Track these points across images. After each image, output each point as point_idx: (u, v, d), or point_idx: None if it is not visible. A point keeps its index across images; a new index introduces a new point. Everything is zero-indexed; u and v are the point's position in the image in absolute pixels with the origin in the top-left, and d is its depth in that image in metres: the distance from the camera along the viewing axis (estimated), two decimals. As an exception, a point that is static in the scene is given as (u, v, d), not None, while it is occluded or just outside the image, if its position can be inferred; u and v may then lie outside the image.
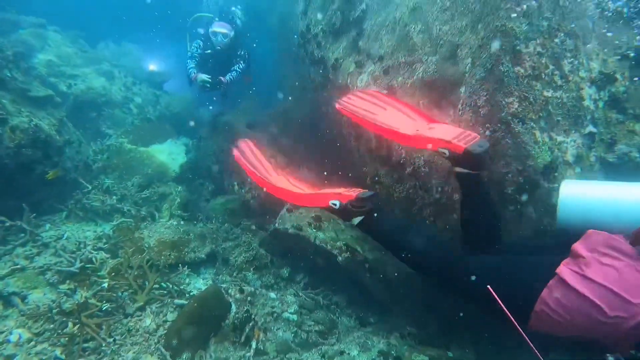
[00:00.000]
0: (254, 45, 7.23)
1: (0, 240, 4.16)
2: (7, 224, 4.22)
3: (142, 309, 3.80)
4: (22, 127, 4.52)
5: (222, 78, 5.96)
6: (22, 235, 4.32)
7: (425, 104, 3.50)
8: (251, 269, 4.86)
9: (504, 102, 2.78)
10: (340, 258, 4.70)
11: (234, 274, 4.75)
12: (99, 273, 3.99)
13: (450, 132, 2.55)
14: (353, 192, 2.60)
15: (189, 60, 6.08)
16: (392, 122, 2.91)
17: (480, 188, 2.56)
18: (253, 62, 6.65)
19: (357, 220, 2.64)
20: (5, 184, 4.45)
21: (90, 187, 5.38)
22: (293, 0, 6.36)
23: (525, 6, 2.75)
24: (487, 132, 2.87)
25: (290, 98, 7.00)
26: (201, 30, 6.72)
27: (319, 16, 5.24)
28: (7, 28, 6.41)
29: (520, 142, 2.78)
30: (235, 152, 3.53)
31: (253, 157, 3.49)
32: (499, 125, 2.82)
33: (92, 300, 3.65)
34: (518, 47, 2.76)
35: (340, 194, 2.63)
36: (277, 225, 5.13)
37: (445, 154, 2.50)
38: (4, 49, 5.42)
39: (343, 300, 5.05)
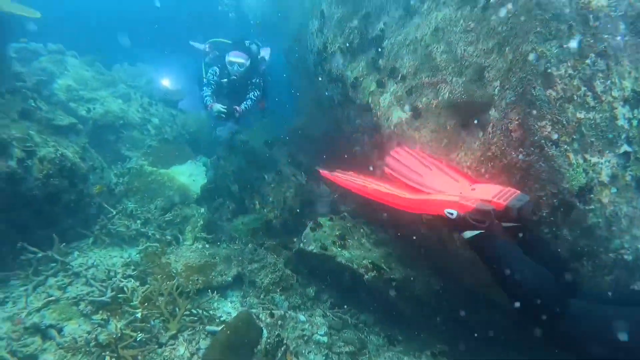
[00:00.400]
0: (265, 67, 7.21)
1: (33, 271, 4.20)
2: (39, 255, 4.26)
3: (174, 337, 3.82)
4: (49, 158, 4.58)
5: (237, 108, 5.96)
6: (53, 265, 4.37)
7: (452, 125, 3.51)
8: (278, 290, 4.86)
9: (536, 126, 2.77)
10: (366, 277, 4.70)
11: (262, 296, 4.76)
12: (130, 303, 4.01)
13: (491, 191, 2.56)
14: (471, 202, 2.46)
15: (205, 88, 6.06)
16: (437, 184, 2.97)
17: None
18: (267, 82, 6.65)
19: (470, 234, 2.49)
20: (34, 215, 4.51)
21: (114, 212, 5.42)
22: (307, 17, 6.40)
23: (554, 29, 2.74)
24: (520, 157, 2.86)
25: (306, 115, 7.03)
26: (214, 52, 6.77)
27: (336, 34, 5.26)
28: (28, 56, 6.52)
29: (554, 165, 2.76)
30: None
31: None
32: (532, 149, 2.80)
33: (127, 331, 3.67)
34: (549, 70, 2.74)
35: (458, 203, 2.50)
36: (301, 245, 5.14)
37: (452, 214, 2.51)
38: (26, 79, 5.51)
39: (370, 318, 5.04)
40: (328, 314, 4.89)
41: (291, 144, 6.68)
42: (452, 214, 2.49)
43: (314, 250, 4.99)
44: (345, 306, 5.03)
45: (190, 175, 6.17)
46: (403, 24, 4.31)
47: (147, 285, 4.31)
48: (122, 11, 10.97)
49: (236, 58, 5.94)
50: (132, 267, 4.59)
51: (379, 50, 4.56)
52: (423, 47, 3.85)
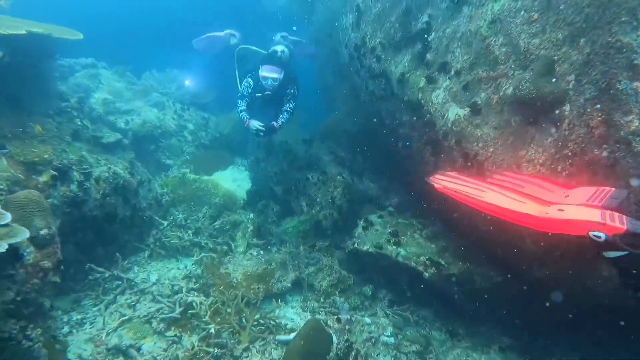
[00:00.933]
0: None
1: (102, 291, 4.29)
2: (107, 275, 4.34)
3: (247, 349, 3.87)
4: (104, 177, 4.64)
5: (274, 123, 5.61)
6: (119, 283, 4.45)
7: (517, 121, 3.41)
8: (337, 292, 4.89)
9: (622, 121, 2.66)
10: (426, 274, 4.67)
11: (322, 300, 4.78)
12: (200, 318, 4.06)
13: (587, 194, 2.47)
14: (620, 223, 2.34)
15: (239, 101, 5.75)
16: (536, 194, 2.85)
17: None
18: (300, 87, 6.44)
19: (614, 254, 2.41)
20: (95, 234, 4.58)
21: (165, 224, 5.49)
22: (337, 11, 6.27)
23: (640, 18, 2.61)
24: (604, 153, 2.76)
25: (340, 110, 6.95)
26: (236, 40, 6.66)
27: (376, 29, 5.15)
28: (65, 73, 6.55)
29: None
30: (436, 186, 3.46)
31: (457, 184, 3.39)
32: (617, 145, 2.71)
33: (202, 346, 3.73)
34: (636, 62, 2.62)
35: (605, 225, 2.36)
36: (355, 245, 5.13)
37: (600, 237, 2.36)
38: (69, 97, 5.55)
39: (430, 313, 5.03)
40: (388, 312, 4.90)
41: (329, 141, 6.62)
42: (599, 236, 2.36)
43: (370, 250, 4.98)
44: (406, 304, 5.04)
45: (234, 180, 6.19)
46: (451, 15, 4.17)
47: (211, 298, 4.36)
48: (140, 13, 10.91)
49: (270, 73, 5.59)
50: (194, 280, 4.64)
51: (426, 44, 4.44)
52: (479, 40, 3.72)
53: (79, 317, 3.98)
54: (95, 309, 4.13)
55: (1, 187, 3.30)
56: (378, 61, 5.16)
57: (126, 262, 4.91)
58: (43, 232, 2.98)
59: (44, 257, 2.99)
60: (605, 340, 4.25)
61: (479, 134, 3.69)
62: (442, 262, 4.77)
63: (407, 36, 4.73)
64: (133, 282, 4.48)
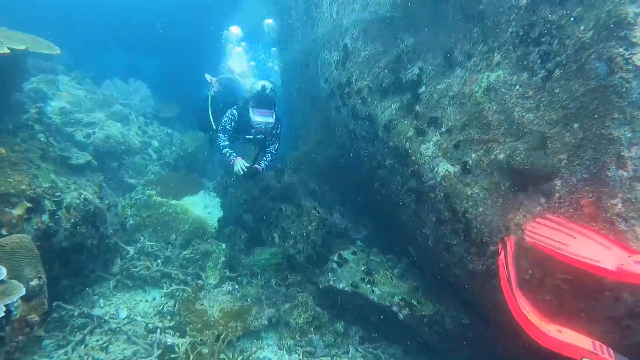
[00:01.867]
0: None
1: (69, 331, 3.97)
2: (76, 313, 4.04)
3: (231, 395, 3.78)
4: (75, 205, 4.33)
5: (257, 167, 5.38)
6: (87, 321, 4.16)
7: (507, 186, 3.67)
8: (312, 329, 4.90)
9: (609, 204, 2.98)
10: (401, 316, 4.85)
11: (297, 337, 4.78)
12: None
13: None
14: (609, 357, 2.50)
15: (220, 135, 5.41)
16: (588, 253, 2.81)
17: None
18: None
19: None
20: (61, 267, 4.25)
21: (131, 252, 5.21)
22: (321, 45, 6.35)
23: (629, 116, 2.94)
24: (591, 229, 3.07)
25: (313, 142, 7.00)
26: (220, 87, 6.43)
27: (363, 72, 5.29)
28: (20, 77, 5.98)
29: (623, 239, 2.99)
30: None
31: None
32: (603, 224, 3.02)
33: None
34: (622, 153, 2.95)
35: (597, 356, 2.51)
36: (331, 282, 5.19)
37: None
38: (28, 107, 5.13)
39: (399, 351, 5.20)
40: (360, 349, 5.00)
41: (302, 172, 6.65)
42: None
43: (346, 289, 5.07)
44: (376, 341, 5.16)
45: (205, 207, 6.00)
46: (443, 72, 4.41)
47: (189, 338, 4.20)
48: (101, 15, 10.24)
49: (265, 118, 5.29)
50: (169, 318, 4.44)
51: (416, 95, 4.64)
52: (473, 103, 3.97)
53: (42, 364, 3.66)
54: (61, 352, 3.82)
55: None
56: (364, 103, 5.30)
57: (90, 294, 4.59)
58: (33, 282, 2.76)
59: (31, 310, 2.76)
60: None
61: (469, 193, 3.91)
62: (415, 303, 4.97)
63: (396, 84, 4.91)
64: (103, 320, 4.20)
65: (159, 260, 5.22)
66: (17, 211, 3.43)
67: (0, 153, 3.92)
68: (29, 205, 3.57)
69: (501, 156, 3.69)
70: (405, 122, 4.72)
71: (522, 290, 3.27)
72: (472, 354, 4.93)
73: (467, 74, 4.14)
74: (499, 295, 3.97)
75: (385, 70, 5.02)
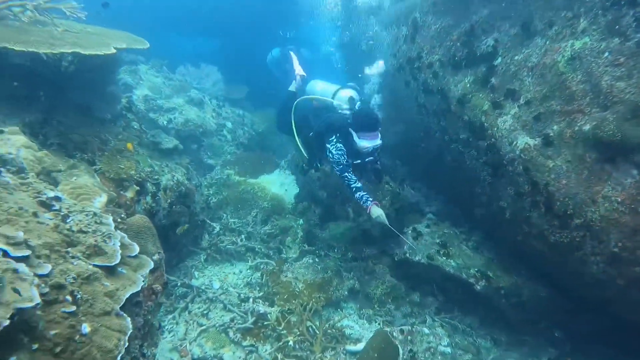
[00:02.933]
0: None
1: (174, 299, 4.45)
2: (179, 283, 4.50)
3: (320, 359, 4.09)
4: (170, 186, 4.75)
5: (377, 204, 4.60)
6: (187, 290, 4.62)
7: (593, 158, 3.60)
8: (389, 300, 5.12)
9: None
10: (477, 287, 4.94)
11: (376, 307, 5.02)
12: (276, 329, 4.27)
13: None
14: None
15: (347, 175, 4.61)
16: None
17: None
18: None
19: None
20: (163, 242, 4.70)
21: (217, 228, 5.63)
22: (388, 20, 6.33)
23: None
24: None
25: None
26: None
27: (434, 46, 5.25)
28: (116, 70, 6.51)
29: None
30: None
31: None
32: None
33: (279, 357, 3.94)
34: None
35: None
36: (407, 254, 5.36)
37: None
38: (120, 98, 5.58)
39: (475, 321, 5.30)
40: (436, 319, 5.17)
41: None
42: None
43: (422, 261, 5.22)
44: (451, 311, 5.30)
45: (281, 185, 6.32)
46: (521, 42, 4.30)
47: (277, 307, 4.56)
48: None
49: (373, 142, 4.57)
50: (257, 289, 4.82)
51: (491, 67, 4.57)
52: (555, 74, 3.87)
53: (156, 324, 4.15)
54: (170, 317, 4.30)
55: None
56: (435, 77, 5.28)
57: (185, 265, 5.07)
58: (155, 257, 3.12)
59: (155, 280, 3.14)
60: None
61: (551, 165, 3.87)
62: (491, 275, 5.03)
63: (470, 57, 4.85)
64: (201, 289, 4.65)
65: (242, 236, 5.62)
66: (129, 194, 3.85)
67: (128, 149, 4.36)
68: (137, 188, 3.99)
69: (586, 127, 3.61)
70: (481, 95, 4.67)
71: None
72: (548, 326, 4.95)
73: (548, 43, 4.02)
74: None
75: (458, 44, 4.95)
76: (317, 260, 5.38)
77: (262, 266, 5.27)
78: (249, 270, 5.26)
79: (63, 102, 4.26)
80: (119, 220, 2.89)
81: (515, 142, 4.19)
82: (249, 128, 7.73)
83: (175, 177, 4.90)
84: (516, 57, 4.31)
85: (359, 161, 4.79)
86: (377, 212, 4.46)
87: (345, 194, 6.14)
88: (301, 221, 5.86)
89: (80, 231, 2.42)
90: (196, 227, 5.44)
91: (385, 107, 7.09)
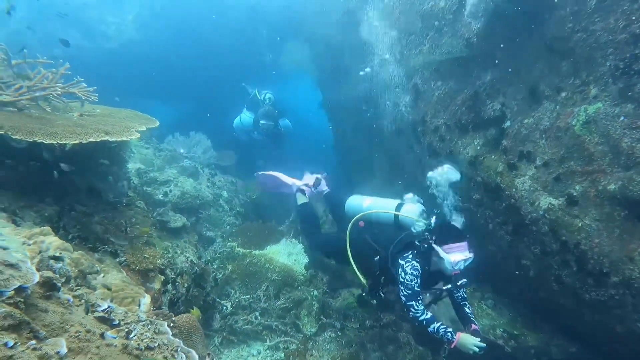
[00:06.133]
0: None
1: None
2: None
3: None
4: (185, 269, 4.49)
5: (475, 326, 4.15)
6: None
7: (622, 216, 3.71)
8: (419, 369, 4.91)
9: None
10: (507, 348, 4.84)
11: (407, 380, 4.80)
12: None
13: None
14: None
15: (413, 304, 3.98)
16: None
17: None
18: None
19: None
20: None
21: (228, 306, 5.31)
22: (384, 86, 6.52)
23: None
24: None
25: (380, 180, 7.15)
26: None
27: (438, 110, 5.42)
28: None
29: None
30: None
31: None
32: None
33: None
34: None
35: None
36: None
37: None
38: (122, 177, 5.33)
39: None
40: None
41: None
42: None
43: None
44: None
45: (289, 254, 6.10)
46: (529, 107, 4.50)
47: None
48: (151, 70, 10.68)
49: (464, 253, 3.93)
50: (287, 374, 4.51)
51: (500, 130, 4.74)
52: (571, 136, 4.03)
53: None
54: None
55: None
56: (442, 141, 5.42)
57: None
58: None
59: (206, 386, 2.86)
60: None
61: (580, 225, 3.94)
62: (518, 334, 4.97)
63: (476, 120, 5.02)
64: (225, 381, 4.28)
65: (256, 313, 5.31)
66: (156, 285, 3.58)
67: (146, 232, 4.09)
68: (162, 277, 3.72)
69: (612, 187, 3.74)
70: (493, 157, 4.80)
71: None
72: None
73: (558, 107, 4.22)
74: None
75: (463, 108, 5.14)
76: (339, 334, 5.14)
77: (281, 345, 4.97)
78: (267, 351, 4.95)
79: (72, 187, 4.00)
80: (171, 325, 2.64)
81: (537, 203, 4.27)
82: (243, 196, 7.56)
83: (189, 259, 4.65)
84: (526, 121, 4.49)
85: (447, 287, 4.04)
86: (469, 342, 3.73)
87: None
88: (315, 292, 5.63)
89: (148, 348, 2.18)
90: (208, 307, 5.10)
91: (384, 169, 7.19)
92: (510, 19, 4.42)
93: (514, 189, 4.52)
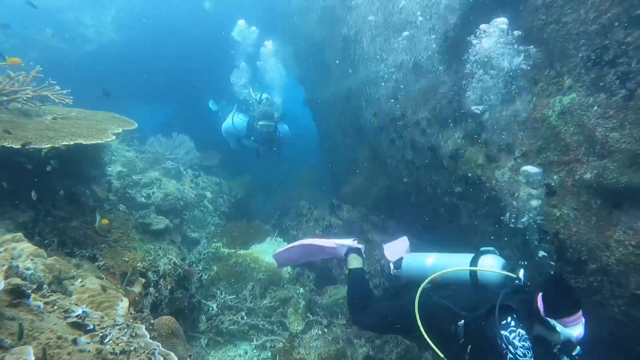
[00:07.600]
0: None
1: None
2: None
3: None
4: (168, 271, 4.45)
5: None
6: (197, 385, 4.22)
7: (598, 204, 3.76)
8: (406, 365, 4.94)
9: None
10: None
11: (394, 375, 4.82)
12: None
13: None
14: None
15: None
16: None
17: None
18: None
19: None
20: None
21: (214, 307, 5.29)
22: (364, 81, 6.53)
23: None
24: None
25: (361, 176, 7.14)
26: None
27: (419, 104, 5.44)
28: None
29: None
30: None
31: None
32: None
33: None
34: None
35: None
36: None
37: None
38: (101, 180, 5.28)
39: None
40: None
41: (358, 205, 6.76)
42: None
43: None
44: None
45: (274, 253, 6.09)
46: (505, 100, 4.54)
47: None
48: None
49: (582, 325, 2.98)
50: (274, 372, 4.50)
51: (480, 123, 4.77)
52: (547, 127, 4.08)
53: None
54: (183, 419, 3.87)
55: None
56: (423, 134, 5.44)
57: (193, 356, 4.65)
58: (186, 361, 2.84)
59: (187, 388, 2.84)
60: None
61: (558, 214, 4.00)
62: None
63: (456, 114, 5.06)
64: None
65: (242, 313, 5.30)
66: (137, 288, 3.54)
67: (104, 224, 3.98)
68: (143, 280, 3.68)
69: (587, 176, 3.79)
70: (473, 149, 4.84)
71: None
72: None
73: (534, 99, 4.27)
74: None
75: (443, 102, 5.16)
76: (325, 330, 5.14)
77: (268, 344, 4.96)
78: (254, 350, 4.94)
79: (49, 192, 3.93)
80: (150, 327, 2.62)
81: (516, 194, 4.31)
82: (228, 196, 7.52)
83: (172, 260, 4.61)
84: (504, 113, 4.53)
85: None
86: None
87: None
88: (302, 290, 5.63)
89: (123, 352, 2.15)
90: (194, 309, 5.07)
91: (366, 164, 7.19)
92: (487, 11, 4.45)
93: (494, 181, 4.56)
